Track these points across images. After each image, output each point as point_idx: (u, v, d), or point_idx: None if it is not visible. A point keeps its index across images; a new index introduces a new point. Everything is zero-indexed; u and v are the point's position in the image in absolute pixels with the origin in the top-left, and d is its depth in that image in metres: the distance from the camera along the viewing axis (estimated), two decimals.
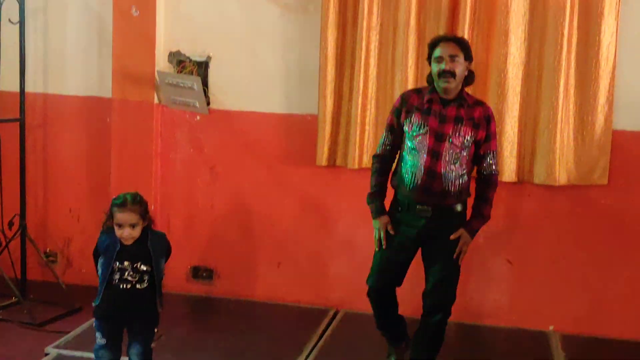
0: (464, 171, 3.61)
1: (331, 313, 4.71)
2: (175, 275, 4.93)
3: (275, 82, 4.73)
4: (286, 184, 4.80)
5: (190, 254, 4.97)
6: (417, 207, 3.59)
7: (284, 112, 4.74)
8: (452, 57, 3.51)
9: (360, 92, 4.45)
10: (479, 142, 3.62)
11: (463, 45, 3.59)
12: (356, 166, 4.49)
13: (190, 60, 4.80)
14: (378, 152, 3.78)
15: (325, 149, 4.57)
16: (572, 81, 4.27)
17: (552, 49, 4.23)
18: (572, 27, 4.22)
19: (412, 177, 3.57)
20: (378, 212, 3.70)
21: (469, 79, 3.65)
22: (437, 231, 3.61)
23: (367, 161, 4.51)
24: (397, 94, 4.36)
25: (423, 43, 4.34)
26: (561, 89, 4.23)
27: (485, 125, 3.62)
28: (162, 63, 4.83)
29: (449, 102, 3.58)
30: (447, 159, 3.54)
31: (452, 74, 3.50)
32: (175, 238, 4.82)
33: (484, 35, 4.34)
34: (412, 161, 3.58)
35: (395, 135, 3.70)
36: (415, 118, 3.59)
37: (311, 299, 4.83)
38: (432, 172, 3.53)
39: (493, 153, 3.68)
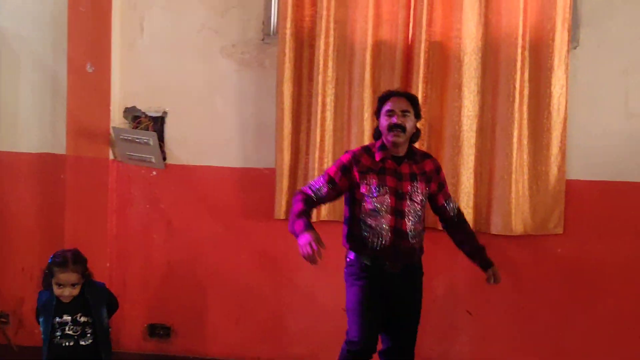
0: (422, 227, 3.65)
1: None
2: (131, 334, 4.84)
3: (232, 136, 4.72)
4: (244, 238, 4.75)
5: (147, 311, 4.87)
6: (387, 264, 3.54)
7: (242, 166, 4.72)
8: (404, 112, 3.54)
9: (317, 145, 4.47)
10: (433, 195, 3.67)
11: (414, 102, 3.63)
12: (315, 219, 4.47)
13: (146, 116, 4.78)
14: (308, 193, 3.58)
15: (283, 202, 4.55)
16: (525, 132, 4.33)
17: (504, 101, 4.30)
18: (524, 79, 4.30)
19: (378, 238, 3.52)
20: (308, 226, 3.35)
21: (415, 136, 3.66)
22: (404, 291, 3.59)
23: (325, 214, 4.51)
24: (353, 146, 4.39)
25: (378, 96, 4.40)
26: (515, 140, 4.29)
27: (436, 176, 3.67)
28: (117, 119, 4.79)
29: (402, 159, 3.59)
30: (410, 217, 3.53)
31: (403, 128, 3.51)
32: (131, 295, 4.79)
33: (438, 89, 4.40)
34: (376, 223, 3.52)
35: (331, 188, 3.59)
36: (371, 179, 3.54)
37: (271, 355, 4.75)
38: (399, 231, 3.52)
39: (451, 197, 3.79)
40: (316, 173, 4.45)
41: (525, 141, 4.35)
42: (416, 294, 3.68)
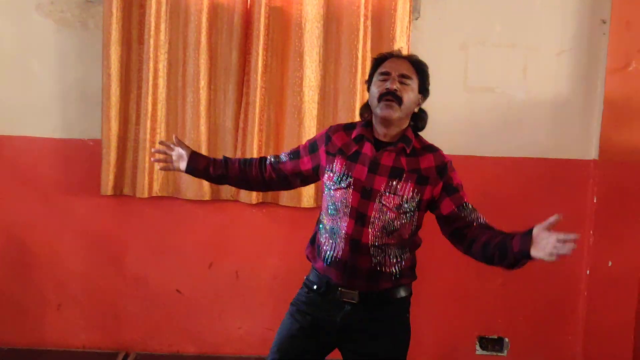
0: (406, 247, 2.68)
1: (121, 356, 4.31)
2: None
3: (51, 103, 4.25)
4: (67, 216, 4.33)
5: None
6: (339, 289, 2.64)
7: (63, 137, 4.27)
8: (403, 78, 2.62)
9: (149, 114, 4.12)
10: (433, 202, 2.64)
11: (421, 70, 2.70)
12: (146, 195, 4.14)
13: None
14: (267, 156, 2.96)
15: (111, 176, 4.17)
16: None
17: (347, 72, 4.15)
18: (366, 50, 4.16)
19: (331, 247, 2.63)
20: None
21: (420, 120, 2.74)
22: (366, 326, 2.65)
23: (157, 189, 4.19)
24: (189, 116, 4.14)
25: (215, 63, 4.14)
26: (357, 112, 4.14)
27: (436, 177, 2.62)
28: None
29: (387, 145, 2.64)
30: (378, 226, 2.58)
31: (399, 99, 2.57)
32: None
33: (279, 57, 4.17)
34: (331, 226, 2.64)
35: (291, 159, 2.84)
36: (337, 165, 2.64)
37: (98, 343, 4.39)
38: (356, 243, 2.58)
39: (469, 205, 2.62)
40: (147, 145, 4.11)
41: None
42: (384, 334, 2.66)
